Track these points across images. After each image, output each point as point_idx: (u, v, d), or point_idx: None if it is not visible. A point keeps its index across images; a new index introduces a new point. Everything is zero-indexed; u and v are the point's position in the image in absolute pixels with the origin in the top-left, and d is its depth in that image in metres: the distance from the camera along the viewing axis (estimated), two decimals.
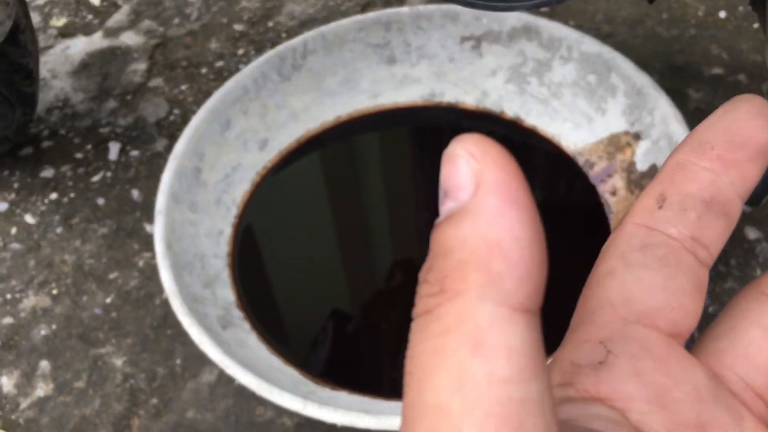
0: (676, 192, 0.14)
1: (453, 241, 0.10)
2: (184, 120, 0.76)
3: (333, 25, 0.67)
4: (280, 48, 0.65)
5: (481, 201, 0.10)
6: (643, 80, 0.57)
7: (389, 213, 0.65)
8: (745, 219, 0.58)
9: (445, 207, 0.11)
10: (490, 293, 0.10)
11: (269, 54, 0.65)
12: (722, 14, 0.76)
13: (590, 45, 0.61)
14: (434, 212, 0.11)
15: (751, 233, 0.58)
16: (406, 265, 0.61)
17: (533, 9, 0.40)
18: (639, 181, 0.57)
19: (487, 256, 0.10)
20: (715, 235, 0.14)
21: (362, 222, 0.64)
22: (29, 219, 0.68)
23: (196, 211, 0.58)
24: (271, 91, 0.66)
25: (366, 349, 0.58)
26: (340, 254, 0.62)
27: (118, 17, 0.89)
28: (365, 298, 0.60)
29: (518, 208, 0.10)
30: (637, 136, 0.58)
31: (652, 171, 0.56)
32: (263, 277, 0.59)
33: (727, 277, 0.55)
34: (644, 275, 0.13)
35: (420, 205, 0.66)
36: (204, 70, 0.81)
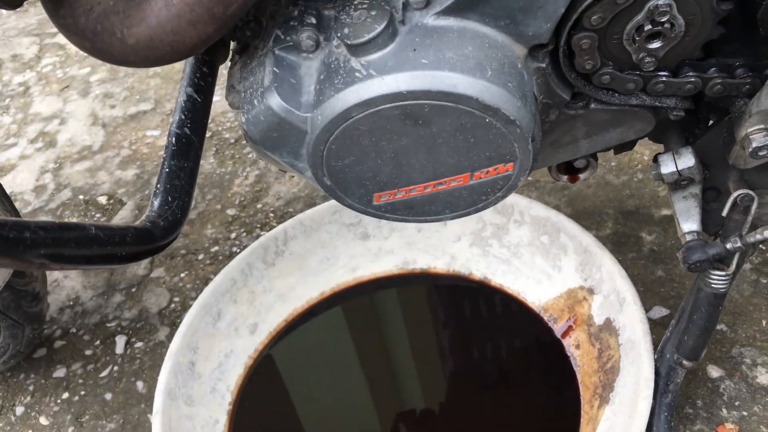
0: None
1: None
2: (184, 307, 0.82)
3: (309, 212, 0.74)
4: (262, 239, 0.72)
5: None
6: (587, 240, 0.63)
7: (381, 388, 0.69)
8: (706, 357, 0.61)
9: None
10: None
11: (253, 246, 0.72)
12: None
13: (538, 210, 0.67)
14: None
15: (714, 372, 0.60)
16: None
17: (456, 218, 0.46)
18: (598, 334, 0.60)
19: None
20: None
21: (359, 398, 0.68)
22: (43, 420, 0.72)
23: (191, 404, 0.62)
24: (257, 278, 0.72)
25: None
26: (338, 429, 0.65)
27: (123, 213, 0.97)
28: None
29: None
30: (591, 291, 0.62)
31: (608, 325, 0.60)
32: None
33: (696, 419, 0.58)
34: None
35: (413, 375, 0.70)
36: (201, 256, 0.88)
